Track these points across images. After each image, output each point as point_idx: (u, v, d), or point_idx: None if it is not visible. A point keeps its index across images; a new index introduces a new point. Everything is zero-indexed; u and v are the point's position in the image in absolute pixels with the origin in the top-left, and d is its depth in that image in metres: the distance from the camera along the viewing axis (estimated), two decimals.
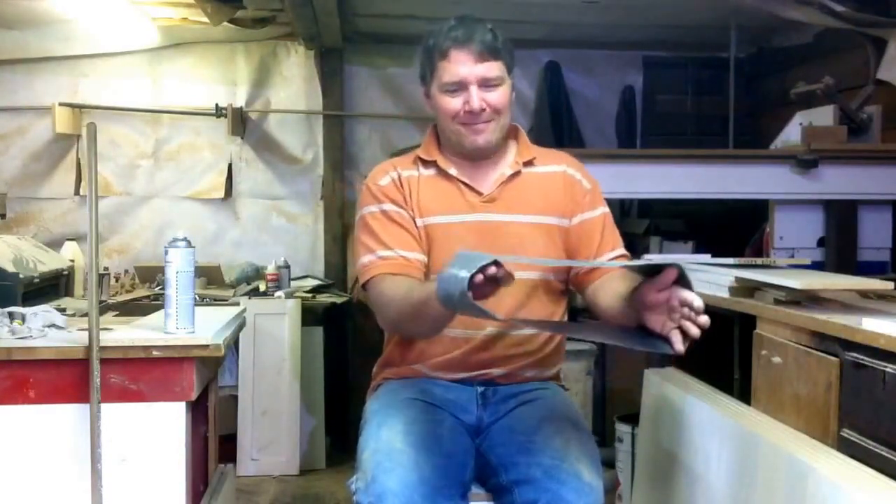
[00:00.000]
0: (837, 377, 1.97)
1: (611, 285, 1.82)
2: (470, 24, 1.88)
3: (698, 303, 1.48)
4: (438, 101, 1.91)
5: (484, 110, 1.87)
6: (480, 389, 1.93)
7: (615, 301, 1.73)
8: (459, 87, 1.87)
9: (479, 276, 1.44)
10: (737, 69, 4.03)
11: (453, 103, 1.88)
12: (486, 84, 1.87)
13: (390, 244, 1.90)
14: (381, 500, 1.64)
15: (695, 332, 1.49)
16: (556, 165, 2.02)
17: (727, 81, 4.00)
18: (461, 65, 1.85)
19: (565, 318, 2.04)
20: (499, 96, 1.89)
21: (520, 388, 1.94)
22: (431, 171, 1.98)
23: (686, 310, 1.48)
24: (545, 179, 1.99)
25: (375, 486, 1.65)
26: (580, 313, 2.74)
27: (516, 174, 1.97)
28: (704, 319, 1.49)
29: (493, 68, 1.87)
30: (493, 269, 1.46)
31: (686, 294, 1.48)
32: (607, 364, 3.44)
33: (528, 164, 1.99)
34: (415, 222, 1.94)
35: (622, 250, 2.01)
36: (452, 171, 1.96)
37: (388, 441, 1.74)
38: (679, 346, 1.50)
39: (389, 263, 1.88)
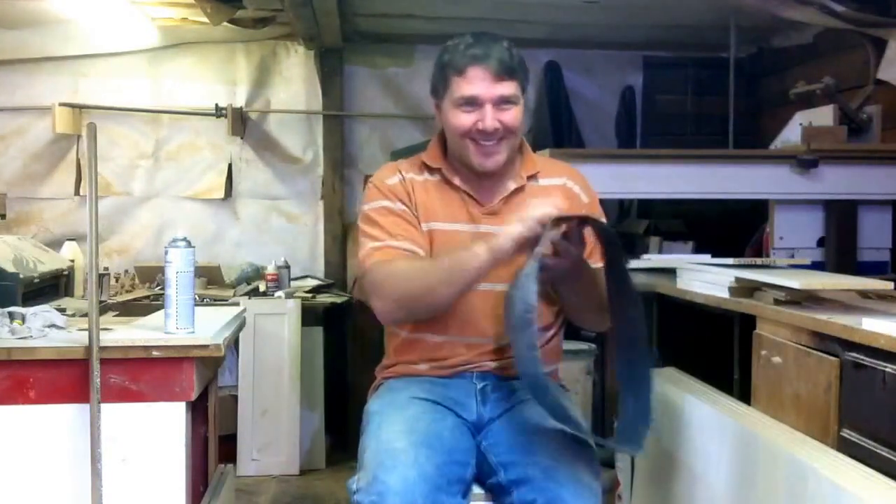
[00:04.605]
0: (837, 377, 1.97)
1: None
2: (488, 42, 1.87)
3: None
4: (450, 116, 1.91)
5: (497, 129, 1.87)
6: (480, 385, 1.93)
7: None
8: (474, 104, 1.86)
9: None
10: (737, 69, 4.02)
11: (466, 119, 1.88)
12: (500, 103, 1.86)
13: (396, 235, 1.90)
14: (382, 498, 1.63)
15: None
16: (557, 178, 2.03)
17: (727, 81, 3.99)
18: (477, 82, 1.85)
19: (561, 322, 2.03)
20: (512, 116, 1.88)
21: (518, 383, 1.93)
22: (436, 178, 1.99)
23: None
24: (545, 192, 1.98)
25: (377, 484, 1.65)
26: None
27: (520, 189, 1.97)
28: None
29: (509, 87, 1.87)
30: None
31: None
32: (607, 364, 3.43)
33: (532, 177, 2.00)
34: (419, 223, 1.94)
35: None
36: (456, 180, 1.97)
37: (388, 440, 1.74)
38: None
39: (396, 250, 1.88)
